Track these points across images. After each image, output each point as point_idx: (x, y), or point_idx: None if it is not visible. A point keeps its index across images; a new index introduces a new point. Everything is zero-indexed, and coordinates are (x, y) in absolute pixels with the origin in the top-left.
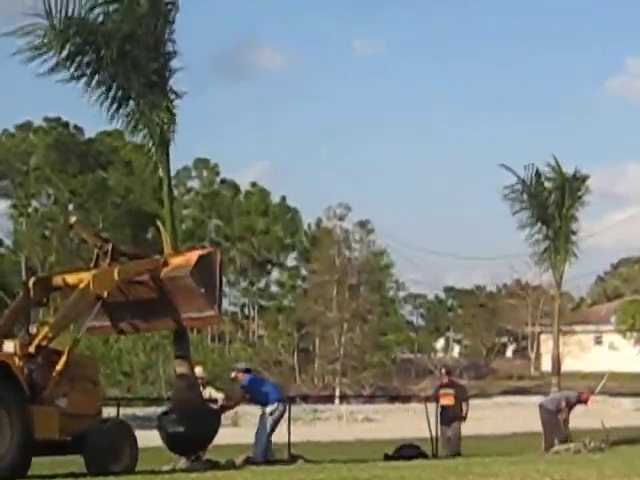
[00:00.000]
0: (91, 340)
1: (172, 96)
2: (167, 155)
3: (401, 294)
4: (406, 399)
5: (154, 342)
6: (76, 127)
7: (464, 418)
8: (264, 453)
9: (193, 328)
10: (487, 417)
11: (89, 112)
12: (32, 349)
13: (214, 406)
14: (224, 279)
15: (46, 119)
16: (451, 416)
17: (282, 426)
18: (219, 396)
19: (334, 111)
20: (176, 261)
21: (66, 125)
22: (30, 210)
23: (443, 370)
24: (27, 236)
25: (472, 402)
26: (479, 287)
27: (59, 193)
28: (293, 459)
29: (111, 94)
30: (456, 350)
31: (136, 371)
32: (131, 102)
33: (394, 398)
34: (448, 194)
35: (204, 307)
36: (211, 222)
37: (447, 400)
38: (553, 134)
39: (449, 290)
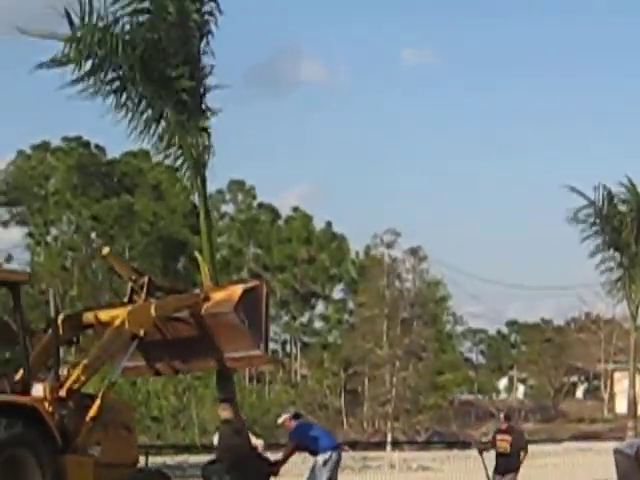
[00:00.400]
0: (116, 381)
1: (208, 114)
2: (203, 179)
3: (459, 329)
4: (465, 445)
5: (186, 384)
6: (98, 147)
7: (518, 467)
8: None
9: (237, 369)
10: (556, 464)
11: (112, 131)
12: (63, 393)
13: (266, 458)
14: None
15: (65, 139)
16: (506, 465)
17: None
18: (259, 443)
19: (381, 127)
20: (218, 296)
21: (87, 145)
22: (49, 239)
23: (502, 415)
24: (45, 268)
25: (539, 448)
26: (545, 321)
27: (80, 220)
28: None
29: (138, 113)
30: (521, 390)
31: (166, 416)
32: (162, 122)
33: (452, 444)
34: (509, 218)
35: (249, 346)
36: (249, 251)
37: (503, 448)
38: (626, 153)
39: (512, 324)
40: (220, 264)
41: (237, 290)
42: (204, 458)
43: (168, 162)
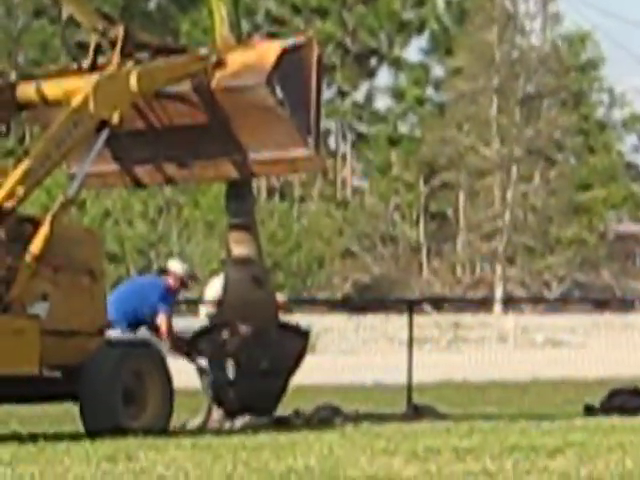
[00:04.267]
0: (50, 195)
1: None
2: None
3: (618, 114)
4: (625, 306)
5: (162, 201)
6: None
7: None
8: None
9: (267, 177)
10: None
11: None
12: None
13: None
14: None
15: None
16: None
17: (397, 353)
18: (280, 298)
19: None
20: (240, 59)
21: None
22: None
23: None
24: None
25: None
26: None
27: None
28: (416, 411)
29: None
30: None
31: (131, 252)
32: None
33: (603, 304)
34: None
35: (291, 141)
36: None
37: None
38: None
39: None
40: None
41: (271, 50)
42: (191, 322)
43: None
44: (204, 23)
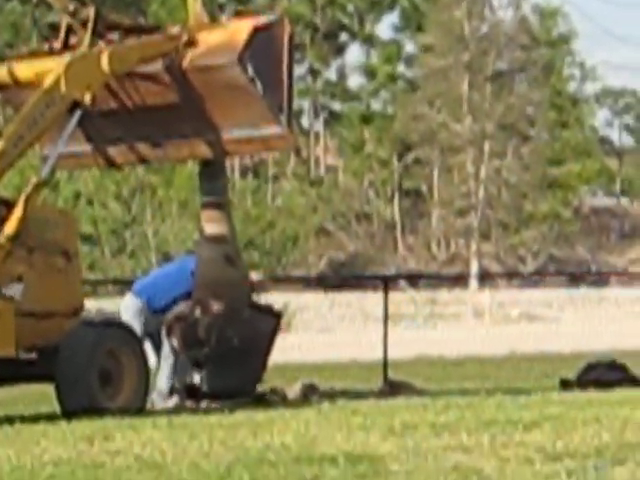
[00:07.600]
0: (23, 176)
1: None
2: None
3: (590, 89)
4: (600, 280)
5: (136, 182)
6: None
7: None
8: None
9: (240, 156)
10: None
11: None
12: None
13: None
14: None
15: None
16: None
17: (372, 330)
18: (255, 277)
19: None
20: (212, 38)
21: None
22: None
23: None
24: None
25: None
26: None
27: None
28: (392, 387)
29: None
30: None
31: (104, 234)
32: None
33: (578, 278)
34: None
35: (262, 119)
36: None
37: None
38: None
39: None
40: None
41: (243, 29)
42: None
43: None
44: (171, 3)
